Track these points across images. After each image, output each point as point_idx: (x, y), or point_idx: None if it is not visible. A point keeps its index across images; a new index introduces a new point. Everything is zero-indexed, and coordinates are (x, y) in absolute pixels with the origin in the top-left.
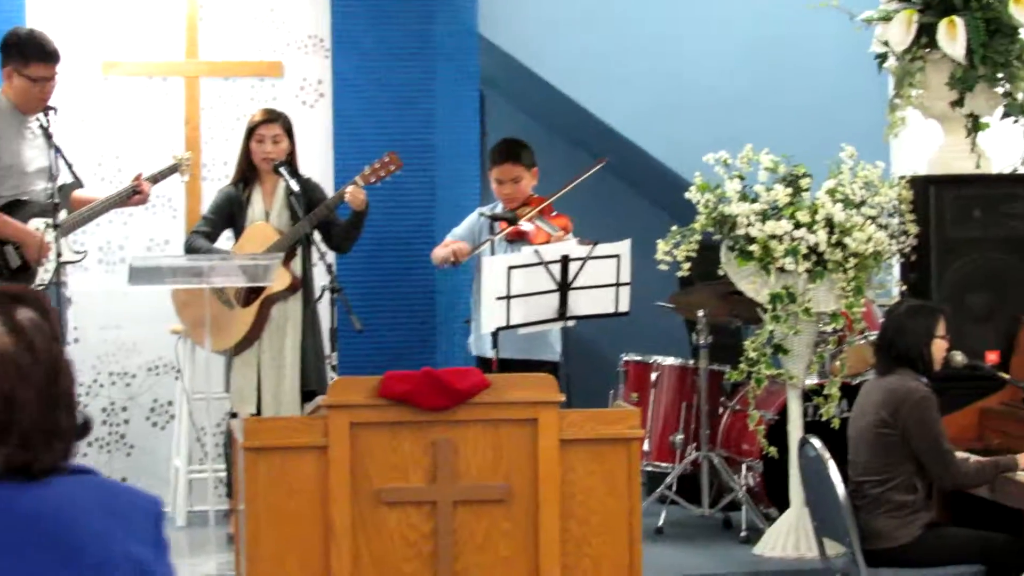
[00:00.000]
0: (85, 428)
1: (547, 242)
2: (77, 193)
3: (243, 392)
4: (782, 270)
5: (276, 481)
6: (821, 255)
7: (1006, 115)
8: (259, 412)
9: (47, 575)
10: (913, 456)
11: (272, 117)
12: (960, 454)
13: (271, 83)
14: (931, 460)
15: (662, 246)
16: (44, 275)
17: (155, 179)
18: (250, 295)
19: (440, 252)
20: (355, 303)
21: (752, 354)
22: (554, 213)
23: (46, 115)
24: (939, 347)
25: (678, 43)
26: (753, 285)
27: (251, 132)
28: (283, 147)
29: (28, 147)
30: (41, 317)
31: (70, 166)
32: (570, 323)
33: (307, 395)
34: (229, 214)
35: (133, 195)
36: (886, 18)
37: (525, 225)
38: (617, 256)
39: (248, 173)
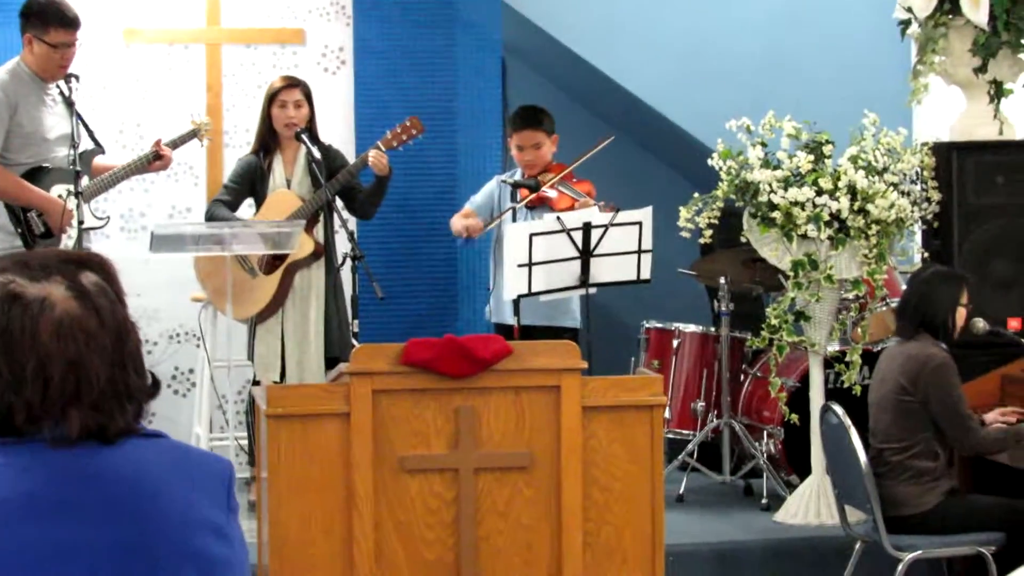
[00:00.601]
0: (155, 386)
1: (571, 207)
2: (98, 160)
3: (267, 360)
4: (804, 237)
5: (298, 448)
6: (843, 222)
7: None
8: (283, 380)
9: (127, 537)
10: (933, 423)
11: (293, 83)
12: (989, 415)
13: (293, 50)
14: (950, 425)
15: (684, 213)
16: (68, 242)
17: (174, 144)
18: (273, 262)
19: (456, 224)
20: (376, 270)
21: (774, 321)
22: (575, 179)
23: (68, 83)
24: (960, 315)
25: (701, 10)
26: (775, 252)
27: (272, 98)
28: (304, 112)
29: (49, 114)
30: (106, 280)
31: (91, 133)
32: (592, 290)
33: (330, 362)
34: (251, 182)
35: (154, 161)
36: None
37: (548, 191)
38: (639, 223)
39: (269, 141)
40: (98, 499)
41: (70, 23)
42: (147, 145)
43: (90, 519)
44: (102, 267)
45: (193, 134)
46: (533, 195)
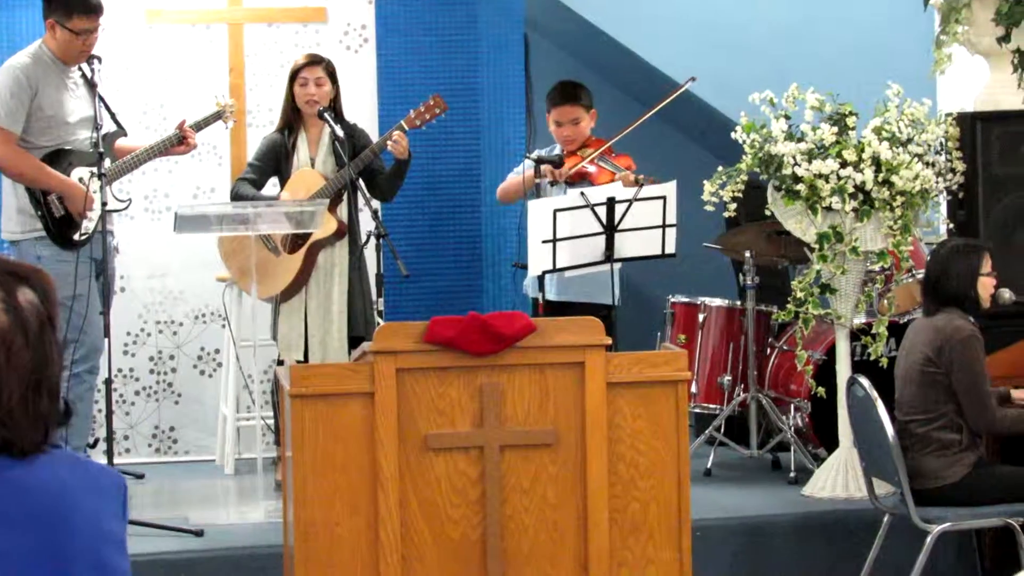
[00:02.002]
0: (67, 415)
1: (611, 181)
2: (121, 142)
3: (290, 339)
4: (829, 209)
5: (323, 428)
6: (868, 194)
7: None
8: (306, 359)
9: (44, 546)
10: (957, 395)
11: (315, 60)
12: (1017, 393)
13: (315, 28)
14: (968, 400)
15: (708, 187)
16: (88, 224)
17: (199, 126)
18: (296, 241)
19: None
20: (401, 248)
21: (799, 294)
22: (615, 154)
23: (90, 64)
24: (985, 285)
25: None
26: (800, 225)
27: (294, 76)
28: (326, 90)
29: (70, 97)
30: (42, 301)
31: (113, 115)
32: (617, 265)
33: (354, 341)
34: (275, 161)
35: (178, 143)
36: None
37: (589, 167)
38: (663, 197)
39: (293, 119)
40: (19, 509)
41: (93, 9)
42: (170, 126)
43: (10, 528)
44: (41, 287)
45: (217, 116)
46: (572, 171)
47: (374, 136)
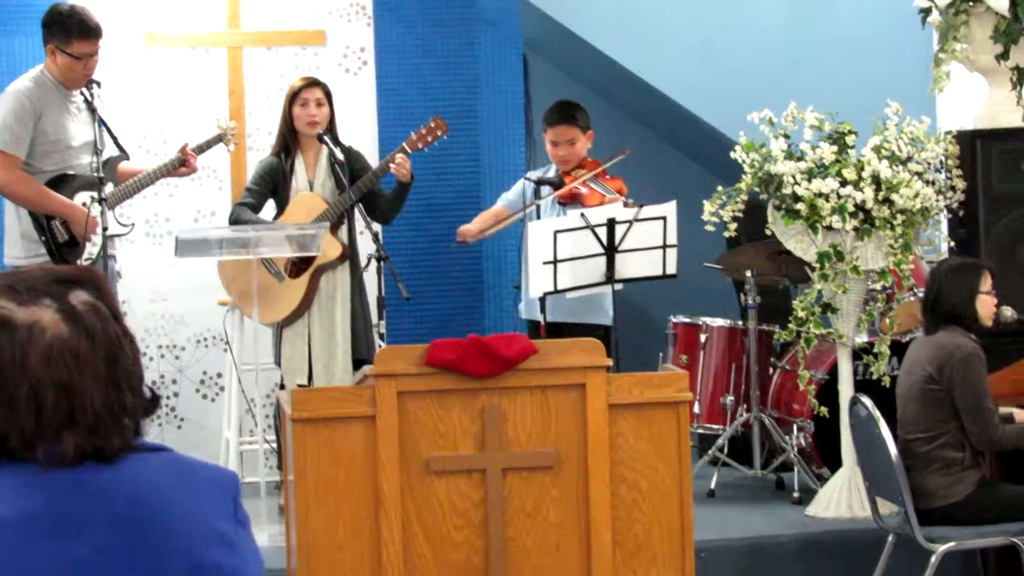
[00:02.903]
0: (154, 403)
1: (602, 203)
2: (123, 165)
3: (294, 363)
4: (829, 228)
5: (324, 452)
6: (868, 212)
7: None
8: (310, 383)
9: (134, 552)
10: (959, 413)
11: (314, 82)
12: (1005, 410)
13: (314, 51)
14: (970, 418)
15: (708, 207)
16: (92, 249)
17: (200, 149)
18: (300, 266)
19: (463, 228)
20: (402, 271)
21: (801, 313)
22: (608, 176)
23: (89, 89)
24: (985, 303)
25: (721, 3)
26: (801, 244)
27: (293, 97)
28: (325, 112)
29: (73, 121)
30: (97, 297)
31: (115, 139)
32: (617, 286)
33: (357, 363)
34: (272, 184)
35: (180, 166)
36: None
37: (580, 188)
38: (663, 218)
39: (290, 142)
40: (103, 515)
41: (92, 33)
42: (171, 150)
43: (96, 536)
44: (93, 283)
45: (219, 139)
46: (564, 191)
47: (372, 158)
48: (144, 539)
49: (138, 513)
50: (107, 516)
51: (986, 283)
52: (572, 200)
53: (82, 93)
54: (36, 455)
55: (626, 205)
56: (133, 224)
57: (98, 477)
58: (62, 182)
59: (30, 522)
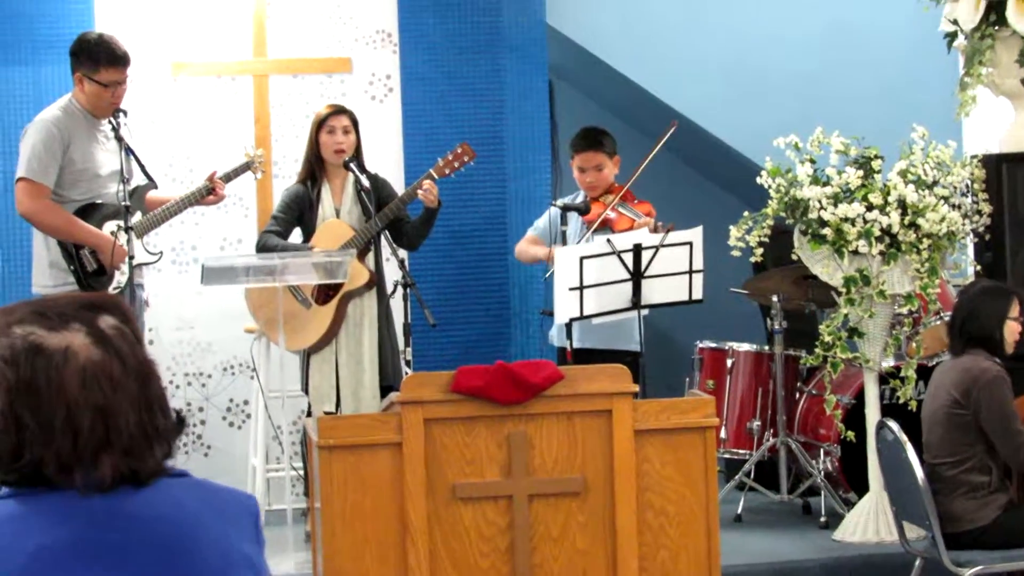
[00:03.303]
0: (181, 424)
1: (631, 228)
2: (151, 194)
3: (322, 391)
4: (856, 253)
5: (351, 479)
6: (894, 237)
7: None
8: (338, 410)
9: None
10: (986, 437)
11: (340, 109)
12: None
13: (340, 79)
14: (1001, 440)
15: (734, 232)
16: (121, 278)
17: (228, 177)
18: (327, 293)
19: (527, 253)
20: (428, 297)
21: (827, 338)
22: (636, 200)
23: (116, 118)
24: (1012, 329)
25: (747, 28)
26: (827, 269)
27: (320, 125)
28: (352, 139)
29: (101, 150)
30: (123, 322)
31: (143, 167)
32: (644, 312)
33: (385, 390)
34: (299, 211)
35: (208, 194)
36: None
37: (609, 213)
38: (690, 243)
39: (316, 170)
40: (140, 541)
41: (121, 61)
42: (198, 178)
43: (134, 561)
44: (118, 309)
45: (247, 167)
46: (593, 216)
47: (397, 185)
48: (179, 563)
49: (173, 537)
50: (143, 541)
51: (1015, 310)
52: (602, 226)
53: (110, 122)
54: (73, 480)
55: (656, 229)
56: (161, 253)
57: (133, 502)
58: (90, 211)
59: (69, 549)
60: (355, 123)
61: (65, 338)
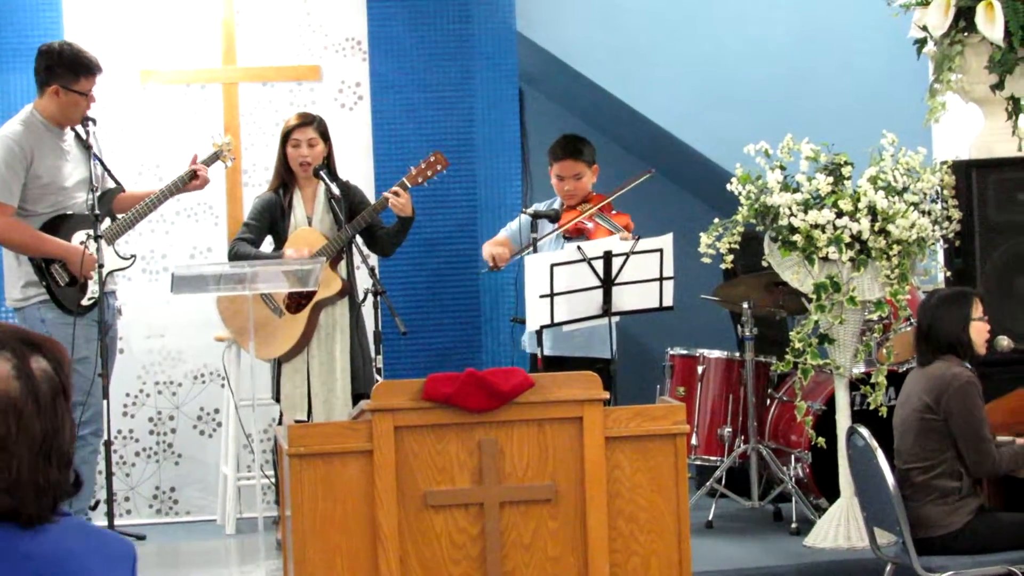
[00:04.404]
0: (76, 487)
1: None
2: (125, 192)
3: (293, 399)
4: (826, 259)
5: (322, 487)
6: (864, 243)
7: None
8: (310, 418)
9: None
10: (956, 442)
11: (307, 120)
12: (1005, 438)
13: (309, 87)
14: (968, 447)
15: (705, 239)
16: (94, 287)
17: (207, 163)
18: (299, 301)
19: (485, 250)
20: (399, 305)
21: (798, 344)
22: (614, 211)
23: (84, 126)
24: (978, 329)
25: (716, 35)
26: (797, 275)
27: (286, 137)
28: (319, 150)
29: (66, 162)
30: (55, 369)
31: (110, 173)
32: (615, 319)
33: (357, 398)
34: (271, 220)
35: (191, 180)
36: (924, 3)
37: (586, 222)
38: (660, 250)
39: (287, 178)
40: None
41: (97, 69)
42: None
43: None
44: (55, 356)
45: (216, 156)
46: (570, 225)
47: (368, 193)
48: None
49: None
50: None
51: (977, 309)
52: (578, 235)
53: (75, 131)
54: None
55: (623, 238)
56: (134, 256)
57: (20, 541)
58: (60, 223)
59: None
60: (323, 132)
61: None
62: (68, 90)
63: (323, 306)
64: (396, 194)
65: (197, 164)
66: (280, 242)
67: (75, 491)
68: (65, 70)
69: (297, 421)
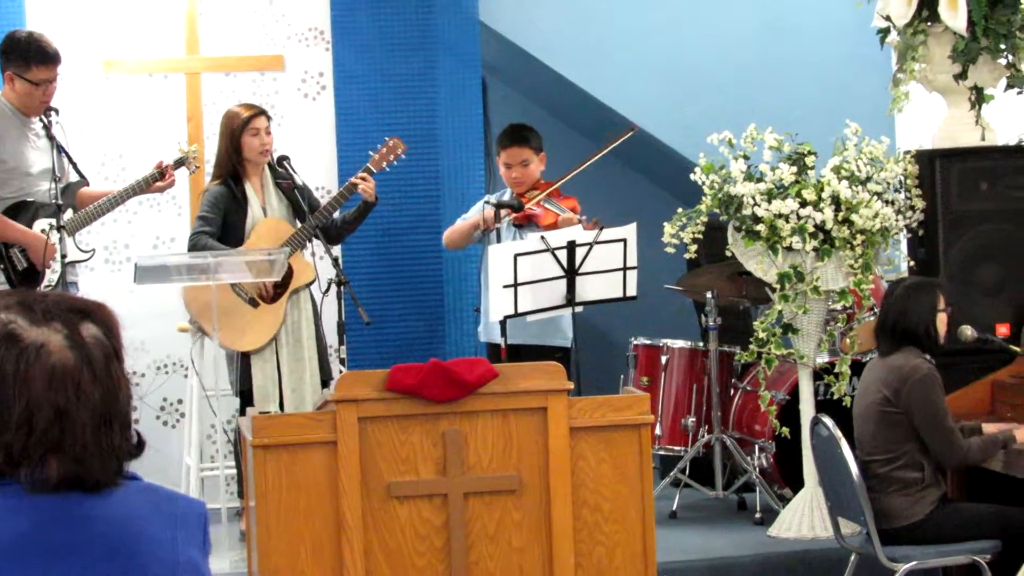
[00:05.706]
0: (140, 447)
1: (555, 223)
2: (86, 189)
3: (266, 390)
4: (789, 249)
5: (286, 478)
6: (828, 233)
7: (1010, 87)
8: (282, 409)
9: None
10: (917, 434)
11: (261, 110)
12: (989, 427)
13: (272, 77)
14: (933, 439)
15: (668, 228)
16: (52, 276)
17: (174, 166)
18: (278, 292)
19: (467, 222)
20: (362, 295)
21: (762, 334)
22: (562, 196)
23: (48, 116)
24: (942, 321)
25: (680, 26)
26: (761, 265)
27: (244, 127)
28: (271, 139)
29: (32, 149)
30: (105, 334)
31: (75, 165)
32: (578, 309)
33: (325, 385)
34: (225, 211)
35: (155, 181)
36: None
37: (534, 208)
38: (624, 240)
39: (238, 169)
40: (90, 542)
41: (51, 59)
42: (130, 177)
43: (81, 562)
44: (105, 321)
45: (181, 162)
46: (520, 213)
47: (331, 183)
48: (127, 567)
49: (122, 542)
50: (92, 543)
51: (942, 301)
52: (528, 221)
53: (41, 120)
54: (18, 475)
55: (587, 225)
56: (93, 250)
57: (84, 505)
58: (21, 209)
59: (17, 544)
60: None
61: (43, 335)
62: (21, 78)
63: (296, 295)
64: (364, 179)
65: (166, 166)
66: (233, 234)
67: (138, 452)
68: (18, 57)
69: (261, 412)
